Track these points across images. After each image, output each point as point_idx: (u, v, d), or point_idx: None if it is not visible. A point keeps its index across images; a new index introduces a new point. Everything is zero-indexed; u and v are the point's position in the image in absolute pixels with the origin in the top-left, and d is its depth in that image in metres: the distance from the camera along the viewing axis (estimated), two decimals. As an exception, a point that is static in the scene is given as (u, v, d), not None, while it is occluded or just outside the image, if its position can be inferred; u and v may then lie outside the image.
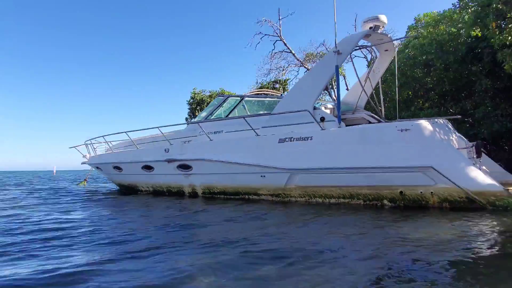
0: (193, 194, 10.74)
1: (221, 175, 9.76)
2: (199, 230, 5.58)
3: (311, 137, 8.35)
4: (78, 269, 3.60)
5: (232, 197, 9.80)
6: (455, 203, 6.95)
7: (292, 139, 8.59)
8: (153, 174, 11.57)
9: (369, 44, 9.64)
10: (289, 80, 21.99)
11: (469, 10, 10.16)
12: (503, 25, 9.01)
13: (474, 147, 7.63)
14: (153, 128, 11.06)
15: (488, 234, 4.88)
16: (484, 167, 7.37)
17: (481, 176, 6.82)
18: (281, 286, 3.07)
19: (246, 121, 9.33)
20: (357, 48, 9.51)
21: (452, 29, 11.65)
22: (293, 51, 20.77)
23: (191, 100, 25.18)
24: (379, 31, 8.87)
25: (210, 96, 24.44)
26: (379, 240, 4.63)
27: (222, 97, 10.88)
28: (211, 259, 3.85)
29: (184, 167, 10.56)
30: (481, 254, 3.90)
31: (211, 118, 10.63)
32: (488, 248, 4.14)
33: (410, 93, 12.74)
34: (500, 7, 8.68)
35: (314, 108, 8.72)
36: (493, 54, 10.43)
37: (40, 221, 6.79)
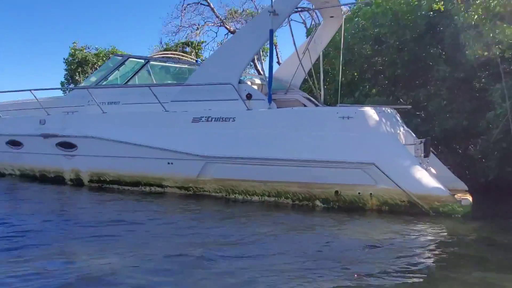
0: (77, 182, 10.87)
1: (116, 158, 10.03)
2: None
3: (233, 118, 8.94)
4: None
5: (128, 188, 10.17)
6: (395, 207, 8.03)
7: (210, 118, 9.11)
8: (21, 152, 11.51)
9: (311, 6, 10.42)
10: (204, 43, 22.56)
11: (433, -23, 11.36)
12: (471, 0, 10.29)
13: (422, 144, 8.83)
14: (23, 90, 10.93)
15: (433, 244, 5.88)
16: (431, 168, 8.58)
17: (426, 178, 7.95)
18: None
19: (152, 92, 9.65)
20: (297, 10, 10.27)
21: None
22: (212, 5, 21.28)
23: (70, 59, 24.59)
24: (326, -9, 9.70)
25: (97, 55, 24.12)
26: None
27: (120, 58, 11.12)
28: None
29: (67, 145, 10.65)
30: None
31: (105, 84, 10.79)
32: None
33: (356, 74, 13.88)
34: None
35: (239, 82, 9.32)
36: (456, 35, 11.87)
37: None
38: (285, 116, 8.76)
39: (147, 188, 10.02)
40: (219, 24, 21.28)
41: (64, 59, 25.26)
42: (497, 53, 10.05)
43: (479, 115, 12.13)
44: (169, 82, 10.69)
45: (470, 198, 8.21)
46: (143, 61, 10.88)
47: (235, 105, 9.13)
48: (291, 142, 8.49)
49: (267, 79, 9.36)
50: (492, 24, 9.75)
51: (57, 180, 11.19)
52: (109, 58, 10.80)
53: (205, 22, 21.39)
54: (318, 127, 8.45)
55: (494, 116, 10.95)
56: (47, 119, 10.93)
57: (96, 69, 22.87)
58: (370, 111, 8.40)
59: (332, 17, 10.58)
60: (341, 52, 11.04)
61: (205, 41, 23.04)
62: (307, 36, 14.50)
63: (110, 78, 10.90)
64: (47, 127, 10.85)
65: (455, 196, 8.03)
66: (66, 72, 24.98)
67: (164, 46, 22.67)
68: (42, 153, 11.08)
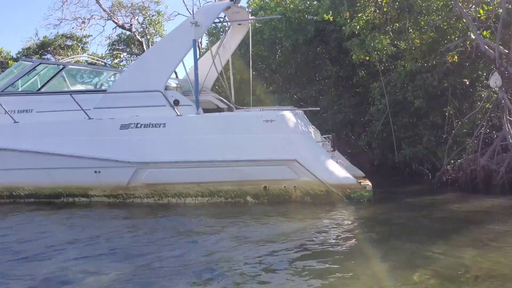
0: (-18, 199, 10.34)
1: (33, 171, 9.76)
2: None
3: (164, 124, 9.37)
4: None
5: (46, 200, 10.00)
6: (316, 197, 9.22)
7: (139, 125, 9.41)
8: None
9: (225, 18, 11.15)
10: (90, 37, 21.94)
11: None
12: (354, 15, 11.97)
13: (330, 141, 10.19)
14: None
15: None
16: (340, 160, 9.95)
17: (338, 170, 9.27)
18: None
19: (74, 99, 9.59)
20: (216, 21, 10.93)
21: (299, 6, 14.35)
22: (97, -3, 20.85)
23: None
24: (239, 4, 10.51)
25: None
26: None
27: (30, 63, 10.65)
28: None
29: None
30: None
31: (13, 90, 10.33)
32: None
33: (254, 73, 14.99)
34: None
35: (166, 89, 9.75)
36: (339, 40, 13.56)
37: None
38: (214, 121, 9.44)
39: (70, 199, 9.97)
40: (106, 18, 20.81)
41: None
42: (376, 58, 11.90)
43: (362, 109, 14.11)
44: (87, 88, 10.61)
45: (370, 183, 9.69)
46: (57, 66, 10.60)
47: (164, 111, 9.53)
48: (221, 145, 9.21)
49: (192, 85, 9.93)
50: (373, 35, 11.51)
51: None
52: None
53: (92, 16, 20.78)
54: (245, 130, 9.27)
55: (376, 110, 12.91)
56: None
57: None
58: (289, 114, 9.46)
59: (240, 24, 11.40)
60: (250, 55, 11.93)
61: (91, 35, 22.70)
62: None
63: (18, 84, 10.42)
64: None
65: (361, 183, 9.47)
66: None
67: (40, 39, 21.53)
68: None
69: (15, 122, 9.89)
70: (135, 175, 9.49)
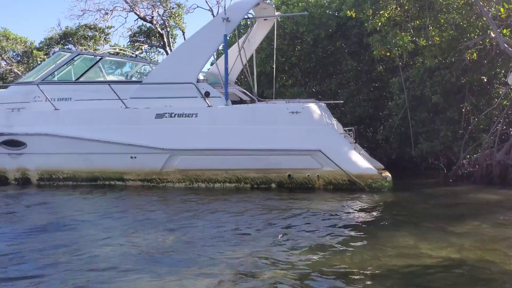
0: (23, 181, 10.98)
1: (72, 155, 10.41)
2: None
3: (196, 114, 10.00)
4: None
5: (84, 183, 10.62)
6: (338, 186, 9.81)
7: (173, 114, 10.05)
8: None
9: (253, 14, 11.71)
10: (112, 29, 22.54)
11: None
12: (376, 12, 12.45)
13: (352, 133, 10.75)
14: None
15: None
16: (362, 152, 10.50)
17: (361, 161, 9.85)
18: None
19: (112, 89, 10.21)
20: (245, 17, 11.49)
21: (321, 1, 14.85)
22: (119, -12, 21.46)
23: None
24: (267, 0, 11.05)
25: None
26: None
27: (69, 53, 11.28)
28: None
29: (13, 144, 10.68)
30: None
31: (54, 79, 10.97)
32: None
33: (273, 66, 15.53)
34: (376, -8, 12.01)
35: (197, 81, 10.35)
36: (360, 35, 14.05)
37: None
38: (243, 112, 10.05)
39: (106, 183, 10.57)
40: (128, 10, 21.43)
41: None
42: (397, 54, 12.37)
43: (381, 103, 14.58)
44: (119, 79, 11.23)
45: (390, 175, 10.23)
46: (94, 57, 11.22)
47: (196, 102, 10.16)
48: (249, 134, 9.79)
49: (222, 77, 10.54)
50: (394, 32, 11.99)
51: None
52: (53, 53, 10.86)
53: (114, 7, 21.43)
54: (272, 121, 9.86)
55: (395, 105, 13.38)
56: None
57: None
58: (314, 107, 10.02)
59: (265, 19, 11.94)
60: (275, 49, 12.47)
61: (113, 26, 23.35)
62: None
63: (58, 74, 11.03)
64: None
65: (382, 174, 10.02)
66: None
67: (62, 29, 22.20)
68: None
69: (55, 109, 10.55)
70: (169, 161, 10.12)
